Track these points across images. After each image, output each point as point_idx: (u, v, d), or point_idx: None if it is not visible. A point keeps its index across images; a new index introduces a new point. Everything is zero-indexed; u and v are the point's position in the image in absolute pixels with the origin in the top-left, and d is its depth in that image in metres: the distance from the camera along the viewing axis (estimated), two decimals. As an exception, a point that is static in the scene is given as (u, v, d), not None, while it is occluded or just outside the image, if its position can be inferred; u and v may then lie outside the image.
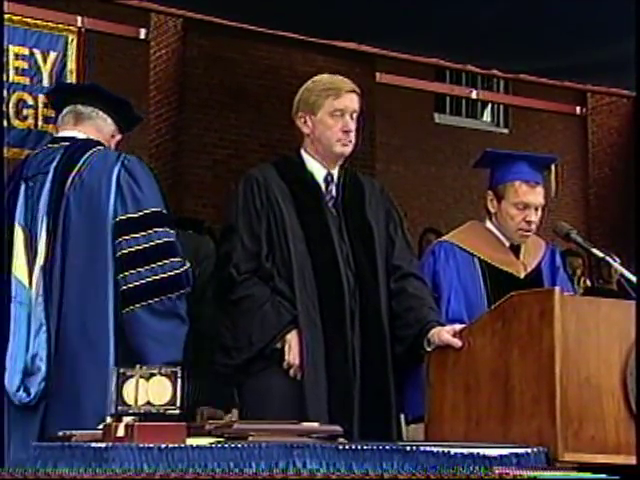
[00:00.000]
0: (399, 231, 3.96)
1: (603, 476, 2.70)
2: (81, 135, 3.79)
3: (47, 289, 3.54)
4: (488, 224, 4.23)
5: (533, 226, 4.14)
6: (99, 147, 3.72)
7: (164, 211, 3.62)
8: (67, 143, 3.75)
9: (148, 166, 3.77)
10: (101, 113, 3.83)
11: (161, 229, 3.56)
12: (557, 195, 4.28)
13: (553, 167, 4.26)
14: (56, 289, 3.54)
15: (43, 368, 3.51)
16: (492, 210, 4.19)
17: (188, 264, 3.59)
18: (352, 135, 3.87)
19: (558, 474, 2.85)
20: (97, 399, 3.43)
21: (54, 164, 3.68)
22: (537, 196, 4.13)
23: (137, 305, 3.48)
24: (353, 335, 3.72)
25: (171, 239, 3.57)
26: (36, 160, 3.75)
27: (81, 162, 3.65)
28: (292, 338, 3.67)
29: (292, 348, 3.66)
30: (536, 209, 4.13)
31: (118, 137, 3.90)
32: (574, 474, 2.84)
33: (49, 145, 3.81)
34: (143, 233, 3.53)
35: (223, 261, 3.80)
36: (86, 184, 3.61)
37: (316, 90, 3.89)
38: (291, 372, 3.66)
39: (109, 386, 3.39)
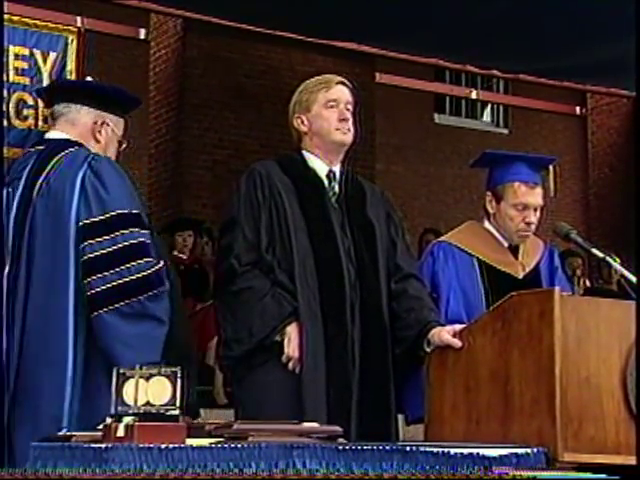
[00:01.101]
0: (400, 234, 3.98)
1: (603, 476, 2.70)
2: (58, 135, 3.70)
3: (12, 297, 3.48)
4: (487, 224, 4.23)
5: (532, 227, 4.14)
6: (71, 149, 3.61)
7: (134, 211, 3.50)
8: (42, 147, 3.67)
9: (120, 165, 3.63)
10: (73, 105, 3.71)
11: (128, 230, 3.46)
12: (556, 195, 4.29)
13: (552, 167, 4.26)
14: (21, 297, 3.48)
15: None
16: (491, 211, 4.19)
17: (161, 264, 3.48)
18: (349, 124, 3.88)
19: (558, 474, 2.85)
20: (53, 404, 3.38)
21: (27, 169, 3.61)
22: (536, 197, 4.13)
23: (104, 309, 3.40)
24: (353, 328, 3.72)
25: (139, 240, 3.46)
26: (16, 164, 3.69)
27: (49, 167, 3.56)
28: (292, 330, 3.67)
29: (292, 341, 3.66)
30: (535, 210, 4.13)
31: (108, 120, 3.72)
32: (573, 474, 2.84)
33: (31, 148, 3.74)
34: (106, 237, 3.44)
35: (224, 253, 3.80)
36: (52, 189, 3.52)
37: (307, 89, 3.94)
38: (290, 365, 3.66)
39: (66, 391, 3.37)
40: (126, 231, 3.45)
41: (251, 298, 3.69)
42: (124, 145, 3.81)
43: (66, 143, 3.65)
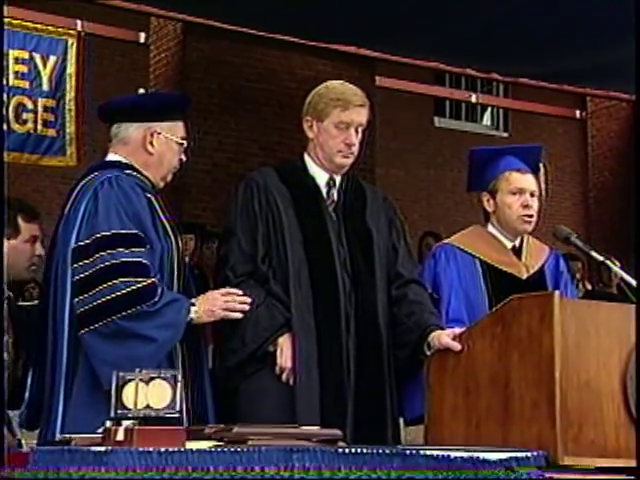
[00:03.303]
0: (401, 240, 3.98)
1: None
2: (111, 157, 3.80)
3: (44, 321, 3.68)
4: (489, 227, 4.24)
5: (532, 211, 4.14)
6: (98, 172, 3.70)
7: (122, 231, 3.55)
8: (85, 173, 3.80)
9: (123, 184, 3.64)
10: (123, 125, 3.79)
11: (109, 252, 3.51)
12: (547, 196, 4.30)
13: (542, 168, 4.27)
14: (51, 320, 3.66)
15: (26, 395, 3.66)
16: (490, 209, 4.21)
17: (143, 282, 3.50)
18: (355, 148, 3.88)
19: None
20: (45, 426, 3.57)
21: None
22: (530, 181, 4.16)
23: (84, 330, 3.50)
24: (348, 337, 3.72)
25: (118, 260, 3.51)
26: None
27: (73, 196, 3.69)
28: (284, 342, 3.68)
29: (284, 352, 3.67)
30: (532, 195, 4.15)
31: (158, 129, 3.75)
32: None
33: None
34: (86, 261, 3.52)
35: (221, 263, 3.82)
36: (68, 216, 3.67)
37: (326, 98, 3.89)
38: (283, 377, 3.66)
39: (57, 412, 3.53)
40: (105, 252, 3.52)
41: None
42: (184, 145, 3.83)
43: (103, 166, 3.76)
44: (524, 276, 4.15)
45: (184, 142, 3.83)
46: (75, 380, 3.53)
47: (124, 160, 3.76)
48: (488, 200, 4.21)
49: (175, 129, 3.81)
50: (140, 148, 3.77)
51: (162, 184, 3.85)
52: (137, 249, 3.55)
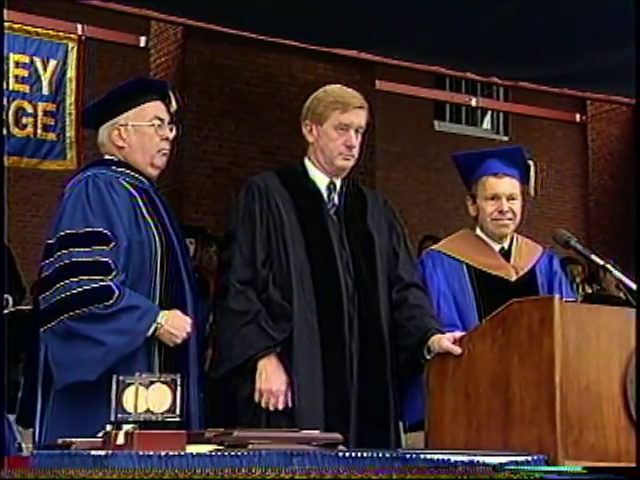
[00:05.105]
0: (402, 243, 3.99)
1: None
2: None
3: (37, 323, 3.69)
4: (477, 231, 4.26)
5: (508, 215, 4.15)
6: (78, 175, 3.72)
7: (82, 230, 3.54)
8: None
9: (98, 181, 3.64)
10: (100, 129, 3.81)
11: (67, 250, 3.51)
12: (536, 194, 4.30)
13: (532, 165, 4.27)
14: None
15: (19, 395, 3.67)
16: (473, 213, 4.25)
17: (99, 282, 3.47)
18: (355, 150, 3.89)
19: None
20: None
21: None
22: (505, 185, 4.17)
23: (42, 328, 3.50)
24: (351, 340, 3.72)
25: (75, 259, 3.50)
26: None
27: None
28: (263, 366, 3.66)
29: (262, 375, 3.65)
30: (509, 199, 4.16)
31: (121, 121, 3.75)
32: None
33: None
34: (50, 259, 3.55)
35: (222, 268, 3.82)
36: (54, 218, 3.69)
37: (325, 101, 3.90)
38: (262, 399, 3.64)
39: (36, 415, 3.56)
40: (65, 251, 3.52)
41: (237, 322, 3.69)
42: (157, 124, 3.78)
43: (91, 164, 3.80)
44: (513, 278, 4.15)
45: (155, 122, 3.78)
46: (53, 383, 3.51)
47: (114, 158, 3.76)
48: (472, 204, 4.25)
49: (141, 114, 3.77)
50: (112, 147, 3.77)
51: (154, 171, 3.82)
52: (98, 247, 3.52)
